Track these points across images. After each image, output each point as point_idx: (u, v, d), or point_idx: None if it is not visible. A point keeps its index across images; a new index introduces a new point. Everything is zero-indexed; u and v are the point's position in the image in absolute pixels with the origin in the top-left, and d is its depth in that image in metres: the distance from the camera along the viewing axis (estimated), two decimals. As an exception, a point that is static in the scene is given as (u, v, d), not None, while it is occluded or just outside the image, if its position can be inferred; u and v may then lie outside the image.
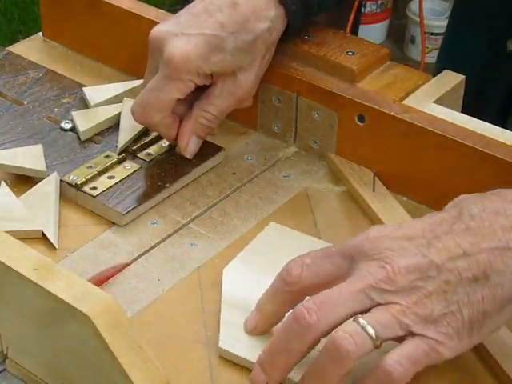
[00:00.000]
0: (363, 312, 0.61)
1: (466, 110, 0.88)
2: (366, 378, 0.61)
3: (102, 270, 0.75)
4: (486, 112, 0.83)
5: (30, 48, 1.03)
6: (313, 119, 0.87)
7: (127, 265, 0.76)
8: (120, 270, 0.75)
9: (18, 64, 0.98)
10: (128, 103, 0.89)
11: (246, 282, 0.73)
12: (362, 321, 0.60)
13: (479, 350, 0.69)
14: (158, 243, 0.79)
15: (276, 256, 0.74)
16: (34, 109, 0.91)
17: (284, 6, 0.82)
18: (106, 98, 0.90)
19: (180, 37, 0.80)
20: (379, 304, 0.60)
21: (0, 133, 0.88)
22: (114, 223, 0.80)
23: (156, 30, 0.82)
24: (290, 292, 0.64)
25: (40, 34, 1.05)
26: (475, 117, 0.83)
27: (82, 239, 0.79)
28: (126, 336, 0.59)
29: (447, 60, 1.13)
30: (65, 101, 0.92)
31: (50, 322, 0.62)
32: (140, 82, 0.93)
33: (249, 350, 0.67)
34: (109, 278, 0.75)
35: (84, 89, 0.92)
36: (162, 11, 0.95)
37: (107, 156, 0.85)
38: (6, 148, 0.85)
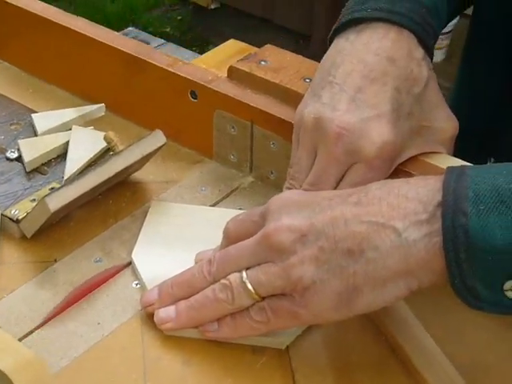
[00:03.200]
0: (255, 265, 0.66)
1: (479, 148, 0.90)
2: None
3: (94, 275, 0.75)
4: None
5: (-19, 69, 1.00)
6: (269, 149, 0.83)
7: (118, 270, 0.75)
8: (113, 275, 0.75)
9: (-34, 87, 0.94)
10: (77, 131, 0.86)
11: (158, 259, 0.76)
12: (244, 276, 0.66)
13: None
14: (101, 283, 0.75)
15: (174, 229, 0.79)
16: (-20, 137, 0.87)
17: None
18: (54, 125, 0.87)
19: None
20: (264, 261, 0.65)
21: None
22: (55, 260, 0.76)
23: (340, 122, 0.72)
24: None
25: (-8, 54, 1.01)
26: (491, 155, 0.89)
27: (21, 278, 0.75)
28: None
29: (460, 99, 1.10)
30: (13, 127, 0.88)
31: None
32: (95, 106, 0.90)
33: None
34: (102, 282, 0.74)
35: (33, 115, 0.88)
36: (118, 34, 0.91)
37: (52, 188, 0.81)
38: None
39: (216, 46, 3.31)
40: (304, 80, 0.82)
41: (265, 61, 0.85)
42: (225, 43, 0.89)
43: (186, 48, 3.43)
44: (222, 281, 0.67)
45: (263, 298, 0.66)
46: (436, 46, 1.34)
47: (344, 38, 0.76)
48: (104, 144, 0.84)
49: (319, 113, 0.72)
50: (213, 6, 3.61)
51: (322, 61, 0.76)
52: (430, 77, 0.76)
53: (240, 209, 0.82)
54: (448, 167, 0.63)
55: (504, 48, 0.99)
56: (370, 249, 0.62)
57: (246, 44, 0.88)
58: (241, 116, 0.83)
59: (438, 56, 2.79)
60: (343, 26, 0.77)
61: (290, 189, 0.75)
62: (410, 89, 0.74)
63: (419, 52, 0.76)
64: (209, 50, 3.87)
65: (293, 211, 0.65)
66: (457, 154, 0.95)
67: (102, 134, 0.84)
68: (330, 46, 0.77)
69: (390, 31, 0.75)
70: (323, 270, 0.63)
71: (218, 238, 0.73)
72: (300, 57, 0.86)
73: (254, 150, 0.84)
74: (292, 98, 0.81)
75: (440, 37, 2.83)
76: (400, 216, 0.61)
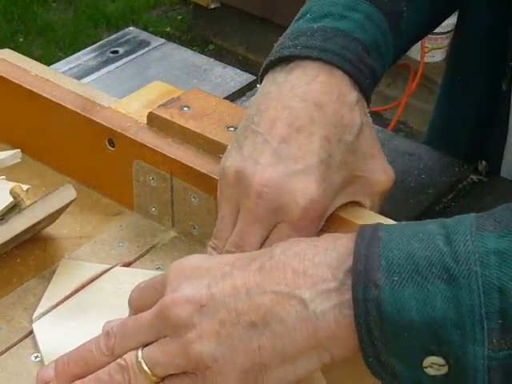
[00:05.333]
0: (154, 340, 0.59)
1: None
2: None
3: None
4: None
5: None
6: (190, 203, 0.76)
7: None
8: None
9: None
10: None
11: (62, 329, 0.70)
12: (140, 355, 0.59)
13: None
14: (-3, 356, 0.69)
15: (82, 293, 0.73)
16: None
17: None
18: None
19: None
20: (163, 336, 0.59)
21: None
22: (-49, 329, 0.70)
23: (261, 177, 0.65)
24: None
25: None
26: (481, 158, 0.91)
27: None
28: None
29: (447, 105, 1.05)
30: None
31: None
32: (10, 153, 0.83)
33: None
34: None
35: None
36: (32, 74, 0.84)
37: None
38: None
39: (216, 45, 3.22)
40: (227, 129, 0.76)
41: (188, 106, 0.78)
42: (149, 85, 0.82)
43: (187, 48, 3.38)
44: (118, 360, 0.61)
45: (163, 379, 0.60)
46: (436, 45, 1.29)
47: (271, 80, 0.69)
48: (11, 199, 0.77)
49: (240, 167, 0.66)
50: (213, 6, 3.56)
51: (248, 106, 0.70)
52: (364, 123, 0.69)
53: (158, 268, 0.76)
54: (360, 227, 0.57)
55: (486, 54, 0.94)
56: (274, 322, 0.56)
57: (172, 86, 0.81)
58: (160, 167, 0.76)
59: (438, 56, 2.72)
60: (272, 65, 0.70)
61: (213, 248, 0.68)
62: (341, 137, 0.67)
63: (352, 96, 0.69)
64: (209, 49, 3.83)
65: (192, 279, 0.59)
66: (448, 159, 0.91)
67: (13, 185, 0.78)
68: (260, 85, 0.71)
69: (320, 72, 0.68)
70: (225, 346, 0.56)
71: (129, 304, 0.67)
72: (226, 102, 0.79)
73: (175, 204, 0.77)
74: (214, 149, 0.75)
75: (440, 36, 2.78)
76: (307, 284, 0.55)
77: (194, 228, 0.77)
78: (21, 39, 3.35)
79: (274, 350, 0.56)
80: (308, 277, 0.55)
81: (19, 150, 0.83)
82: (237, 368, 0.56)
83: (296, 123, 0.66)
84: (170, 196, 0.77)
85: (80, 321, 0.70)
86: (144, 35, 3.55)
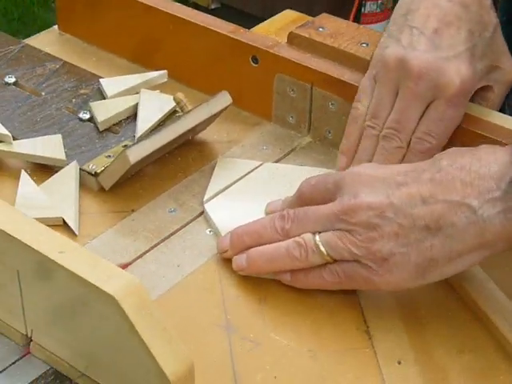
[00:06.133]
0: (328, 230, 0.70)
1: None
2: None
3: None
4: None
5: (45, 41, 1.04)
6: (327, 109, 0.88)
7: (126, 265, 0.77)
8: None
9: (35, 56, 0.98)
10: (145, 94, 0.91)
11: (229, 208, 0.81)
12: (318, 239, 0.70)
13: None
14: (177, 230, 0.80)
15: (241, 182, 0.84)
16: (52, 100, 0.92)
17: None
18: (122, 89, 0.91)
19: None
20: (338, 229, 0.69)
21: (19, 122, 0.88)
22: (133, 211, 0.81)
23: (421, 61, 0.77)
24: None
25: (55, 27, 1.06)
26: None
27: (102, 226, 0.80)
28: (151, 317, 0.59)
29: None
30: (82, 92, 0.93)
31: (76, 303, 0.62)
32: (158, 73, 0.94)
33: None
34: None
35: (101, 80, 0.93)
36: (177, 4, 0.96)
37: (125, 146, 0.86)
38: (25, 138, 0.86)
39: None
40: (360, 45, 0.88)
41: (322, 27, 0.90)
42: (280, 13, 0.94)
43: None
44: (297, 239, 0.71)
45: (335, 261, 0.70)
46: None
47: None
48: (171, 106, 0.89)
49: (400, 54, 0.78)
50: (213, 6, 3.62)
51: (395, 9, 0.82)
52: (497, 24, 0.82)
53: (301, 165, 0.87)
54: None
55: None
56: (447, 225, 0.66)
57: (302, 14, 0.93)
58: (301, 79, 0.88)
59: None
60: None
61: (372, 127, 0.79)
62: (482, 32, 0.80)
63: (488, 1, 0.81)
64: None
65: (369, 187, 0.69)
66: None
67: (169, 96, 0.89)
68: None
69: None
70: (402, 243, 0.67)
71: (283, 191, 0.79)
72: (355, 24, 0.91)
73: (313, 111, 0.89)
74: (350, 61, 0.87)
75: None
76: (474, 193, 0.66)
77: (329, 132, 0.89)
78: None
79: (444, 248, 0.67)
80: (475, 187, 0.66)
81: (166, 70, 0.95)
82: (410, 262, 0.67)
83: (445, 19, 0.79)
84: (309, 105, 0.89)
85: (245, 202, 0.81)
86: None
